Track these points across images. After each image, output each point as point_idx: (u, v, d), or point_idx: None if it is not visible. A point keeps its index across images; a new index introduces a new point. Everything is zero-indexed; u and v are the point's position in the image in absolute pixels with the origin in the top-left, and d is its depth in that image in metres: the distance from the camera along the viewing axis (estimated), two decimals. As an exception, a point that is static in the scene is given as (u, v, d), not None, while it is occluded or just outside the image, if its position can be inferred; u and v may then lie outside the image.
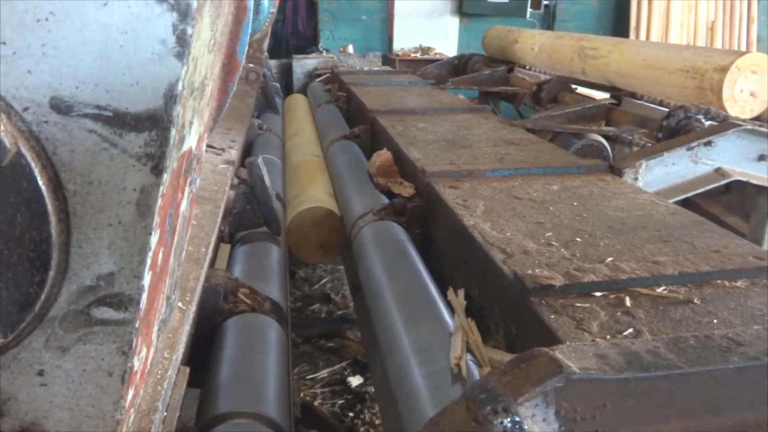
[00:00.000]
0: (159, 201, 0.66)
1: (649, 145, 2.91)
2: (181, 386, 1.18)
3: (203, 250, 1.53)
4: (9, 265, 0.62)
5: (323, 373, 3.15)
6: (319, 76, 5.59)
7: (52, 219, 0.63)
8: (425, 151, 2.35)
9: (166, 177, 0.65)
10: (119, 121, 0.61)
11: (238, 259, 2.03)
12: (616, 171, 2.10)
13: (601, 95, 4.07)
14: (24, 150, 0.60)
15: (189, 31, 0.59)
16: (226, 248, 2.15)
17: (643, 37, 7.73)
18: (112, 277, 0.67)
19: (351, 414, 2.88)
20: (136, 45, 0.59)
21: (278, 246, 2.18)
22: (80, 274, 0.66)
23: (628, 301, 1.24)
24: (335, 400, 2.97)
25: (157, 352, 0.99)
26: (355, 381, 3.07)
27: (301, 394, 2.96)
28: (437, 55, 7.46)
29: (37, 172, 0.61)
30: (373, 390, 2.87)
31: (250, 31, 0.97)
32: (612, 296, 1.26)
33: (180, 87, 0.61)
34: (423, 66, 5.89)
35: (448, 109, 3.24)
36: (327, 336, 3.44)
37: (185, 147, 0.74)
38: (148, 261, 0.68)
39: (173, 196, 0.75)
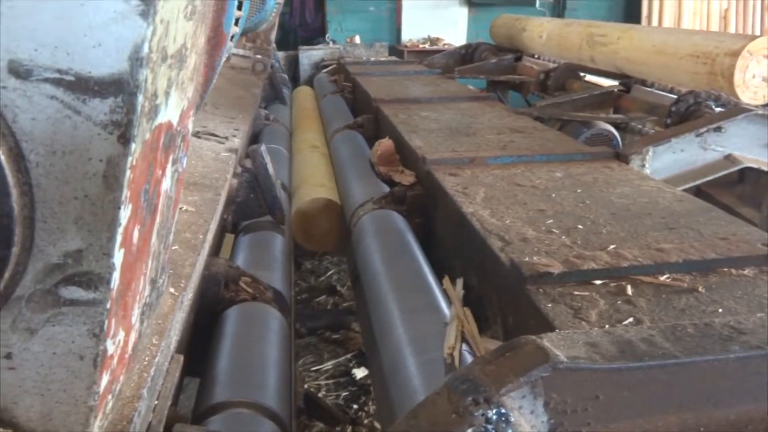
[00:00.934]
0: (128, 173, 0.62)
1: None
2: (174, 374, 1.14)
3: (201, 236, 1.50)
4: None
5: (328, 365, 3.12)
6: (325, 67, 5.56)
7: (14, 191, 0.59)
8: (427, 139, 2.31)
9: (135, 147, 0.62)
10: (82, 86, 0.57)
11: (242, 248, 2.00)
12: (622, 158, 2.04)
13: (610, 83, 3.99)
14: (-19, 118, 0.57)
15: (153, -11, 0.56)
16: (230, 238, 2.12)
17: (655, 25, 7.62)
18: (80, 254, 0.64)
19: (355, 406, 2.85)
20: (97, 3, 0.55)
21: (282, 235, 2.15)
22: (46, 250, 0.63)
23: (629, 290, 1.19)
24: (339, 391, 2.95)
25: (141, 338, 0.96)
26: (360, 373, 3.04)
27: (306, 386, 2.94)
28: (446, 46, 7.38)
29: (-4, 141, 0.58)
30: (377, 382, 2.84)
31: (236, 4, 0.93)
32: (613, 284, 1.21)
33: (146, 49, 0.57)
34: (431, 56, 5.84)
35: (452, 97, 3.19)
36: (332, 328, 3.41)
37: (161, 118, 0.71)
38: (119, 237, 0.65)
39: (149, 171, 0.71)
